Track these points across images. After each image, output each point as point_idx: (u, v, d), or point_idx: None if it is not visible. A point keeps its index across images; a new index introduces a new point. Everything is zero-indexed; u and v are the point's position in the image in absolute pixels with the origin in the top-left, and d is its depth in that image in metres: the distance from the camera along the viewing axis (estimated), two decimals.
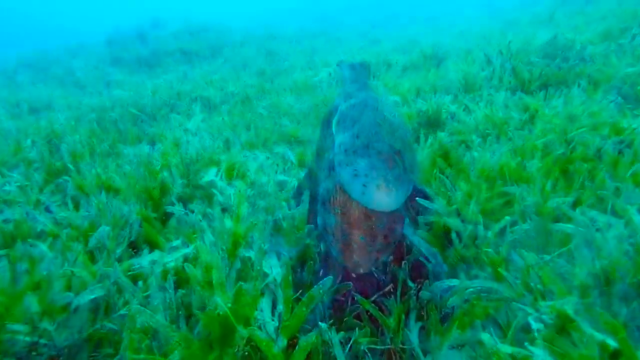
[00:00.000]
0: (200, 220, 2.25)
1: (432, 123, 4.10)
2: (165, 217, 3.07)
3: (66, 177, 3.77)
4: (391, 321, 1.84)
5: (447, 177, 2.86)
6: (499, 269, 2.02)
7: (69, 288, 2.12)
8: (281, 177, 3.46)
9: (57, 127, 5.06)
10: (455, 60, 6.19)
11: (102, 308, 2.05)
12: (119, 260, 2.42)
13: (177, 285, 2.09)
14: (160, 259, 2.03)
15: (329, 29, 17.79)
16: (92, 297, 1.95)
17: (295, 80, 7.19)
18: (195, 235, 2.32)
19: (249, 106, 6.45)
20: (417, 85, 5.22)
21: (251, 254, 2.07)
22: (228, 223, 2.06)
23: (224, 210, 2.94)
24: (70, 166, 3.89)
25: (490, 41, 7.52)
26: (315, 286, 1.74)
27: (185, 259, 2.13)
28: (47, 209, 3.57)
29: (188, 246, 2.31)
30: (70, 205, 3.51)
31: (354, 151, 2.10)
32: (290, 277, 1.79)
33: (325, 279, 1.77)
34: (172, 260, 2.09)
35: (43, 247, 2.59)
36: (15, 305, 1.95)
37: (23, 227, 3.22)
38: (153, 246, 2.72)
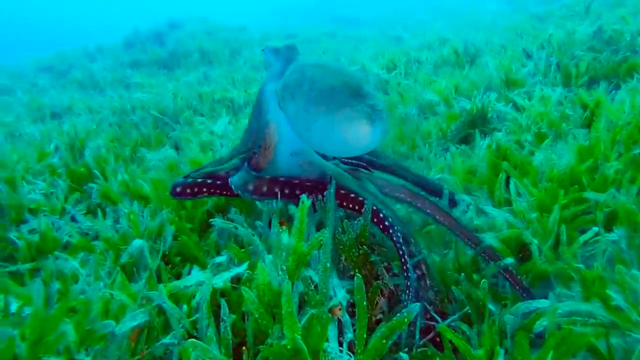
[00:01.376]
0: (253, 235, 2.02)
1: (477, 122, 3.83)
2: (201, 229, 2.85)
3: (92, 184, 3.57)
4: (481, 354, 1.58)
5: (510, 181, 2.59)
6: (604, 289, 1.75)
7: (106, 312, 1.90)
8: None
9: (80, 131, 4.88)
10: (491, 56, 5.89)
11: (143, 335, 1.83)
12: (158, 277, 2.20)
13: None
14: (208, 280, 1.80)
15: (346, 28, 17.56)
16: (135, 324, 1.73)
17: None
18: (244, 251, 2.09)
19: None
20: (455, 82, 4.93)
21: (310, 272, 1.84)
22: (285, 238, 1.82)
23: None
24: (97, 172, 3.69)
25: (523, 36, 7.20)
26: (399, 314, 1.50)
27: (238, 279, 1.90)
28: (73, 219, 3.38)
29: (235, 263, 2.08)
30: (98, 215, 3.32)
31: (315, 103, 2.02)
32: (365, 302, 1.54)
33: (412, 305, 1.53)
34: (221, 281, 1.86)
35: (74, 263, 2.38)
36: (49, 331, 1.73)
37: (49, 238, 3.03)
38: (190, 261, 2.49)
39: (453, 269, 2.11)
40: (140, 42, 13.75)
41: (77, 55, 12.50)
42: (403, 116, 4.35)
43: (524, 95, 4.32)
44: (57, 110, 6.97)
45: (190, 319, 1.86)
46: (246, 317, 1.78)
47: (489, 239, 2.16)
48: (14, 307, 2.09)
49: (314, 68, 2.18)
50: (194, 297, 2.00)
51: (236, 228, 2.16)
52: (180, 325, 1.79)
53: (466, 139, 3.87)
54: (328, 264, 1.67)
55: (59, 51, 13.19)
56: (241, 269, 1.89)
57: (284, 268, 1.69)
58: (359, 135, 1.93)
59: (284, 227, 1.88)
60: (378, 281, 1.88)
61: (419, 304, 1.56)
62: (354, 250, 1.96)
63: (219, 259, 2.18)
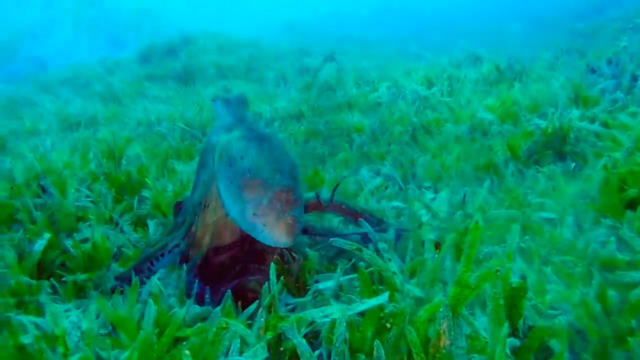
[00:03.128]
0: (389, 260, 1.91)
1: (554, 143, 3.65)
2: None
3: (144, 194, 3.44)
4: None
5: None
6: None
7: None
8: (396, 203, 3.08)
9: (119, 138, 4.75)
10: (541, 73, 5.77)
11: None
12: None
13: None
14: (342, 312, 1.68)
15: (355, 47, 17.45)
16: None
17: (349, 96, 6.81)
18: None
19: (305, 123, 6.10)
20: (512, 100, 4.76)
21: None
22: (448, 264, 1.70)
23: None
24: (148, 180, 3.56)
25: (571, 52, 7.08)
26: None
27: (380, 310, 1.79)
28: (121, 229, 3.24)
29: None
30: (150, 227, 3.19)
31: (248, 187, 2.13)
32: None
33: None
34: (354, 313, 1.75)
35: (156, 280, 2.26)
36: None
37: (102, 248, 2.88)
38: None
39: None
40: (155, 56, 13.71)
41: (95, 69, 12.47)
42: (456, 135, 4.21)
43: (606, 113, 4.13)
44: (83, 119, 6.87)
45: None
46: None
47: None
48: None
49: (260, 144, 2.29)
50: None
51: (360, 250, 2.08)
52: None
53: (539, 161, 3.70)
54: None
55: (77, 64, 13.16)
56: (381, 300, 1.78)
57: (447, 304, 1.55)
58: (273, 238, 2.08)
59: (437, 251, 1.75)
60: None
61: None
62: None
63: (323, 285, 2.12)
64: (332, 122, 5.73)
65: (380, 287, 2.35)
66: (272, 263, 2.16)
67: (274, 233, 2.05)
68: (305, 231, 2.58)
